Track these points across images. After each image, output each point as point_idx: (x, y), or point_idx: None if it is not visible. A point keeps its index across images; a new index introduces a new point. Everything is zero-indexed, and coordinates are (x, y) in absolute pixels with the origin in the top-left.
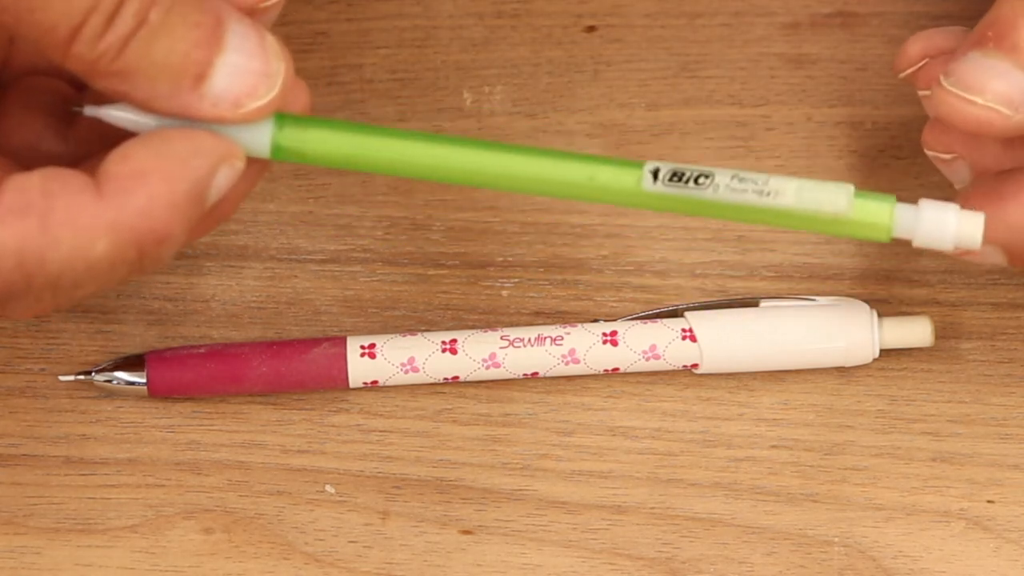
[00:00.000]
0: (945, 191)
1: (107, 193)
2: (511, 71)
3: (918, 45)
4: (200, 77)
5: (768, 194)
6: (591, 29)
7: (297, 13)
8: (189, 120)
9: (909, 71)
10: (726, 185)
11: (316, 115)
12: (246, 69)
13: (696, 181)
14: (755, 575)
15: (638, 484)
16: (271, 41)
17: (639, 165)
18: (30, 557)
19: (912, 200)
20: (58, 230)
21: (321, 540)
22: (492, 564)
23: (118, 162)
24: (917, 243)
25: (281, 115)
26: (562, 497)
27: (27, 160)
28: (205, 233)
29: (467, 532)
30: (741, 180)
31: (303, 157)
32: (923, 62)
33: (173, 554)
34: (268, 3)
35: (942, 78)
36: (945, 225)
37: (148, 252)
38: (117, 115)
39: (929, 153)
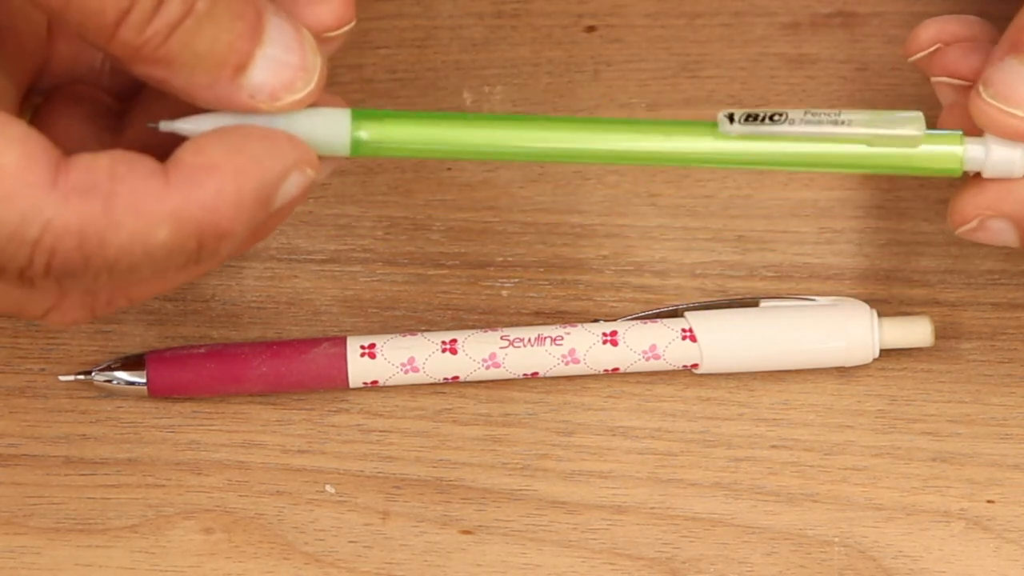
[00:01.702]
0: (947, 190)
1: (175, 181)
2: (511, 71)
3: (931, 30)
4: (240, 68)
5: (842, 123)
6: (591, 29)
7: None
8: (227, 110)
9: (920, 55)
10: (801, 119)
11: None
12: (284, 62)
13: (771, 119)
14: (755, 575)
15: (638, 484)
16: (308, 36)
17: (712, 122)
18: (30, 557)
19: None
20: (121, 214)
21: (321, 540)
22: (492, 564)
23: (192, 152)
24: (988, 173)
25: (356, 111)
26: (562, 497)
27: None
28: (263, 237)
29: (467, 532)
30: (814, 114)
31: (381, 151)
32: (934, 47)
33: (173, 554)
34: (332, 34)
35: (981, 89)
36: (1013, 153)
37: (208, 246)
38: (190, 127)
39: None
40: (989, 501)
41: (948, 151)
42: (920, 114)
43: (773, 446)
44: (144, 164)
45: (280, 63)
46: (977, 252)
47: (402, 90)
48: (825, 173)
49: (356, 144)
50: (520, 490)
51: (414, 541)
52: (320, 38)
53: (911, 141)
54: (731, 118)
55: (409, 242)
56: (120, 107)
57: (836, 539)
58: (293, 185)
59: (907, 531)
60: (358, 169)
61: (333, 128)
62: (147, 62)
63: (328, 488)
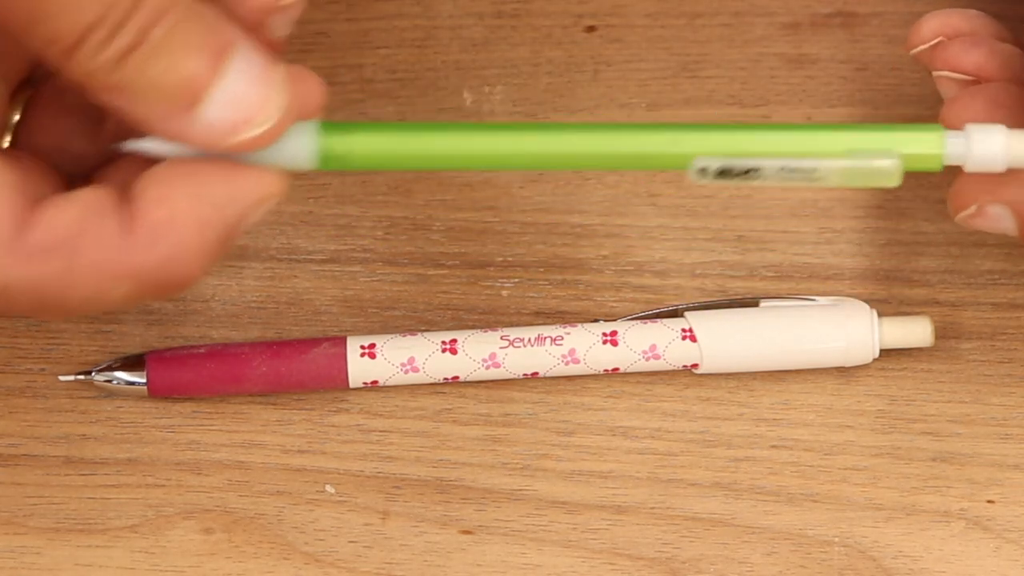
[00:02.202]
0: (947, 190)
1: (136, 241)
2: (511, 71)
3: (933, 23)
4: (195, 101)
5: (817, 180)
6: (591, 29)
7: None
8: (186, 144)
9: (921, 48)
10: (775, 175)
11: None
12: (243, 98)
13: (745, 174)
14: (755, 575)
15: (638, 484)
16: (278, 72)
17: (689, 157)
18: (30, 557)
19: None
20: (82, 275)
21: (321, 540)
22: (492, 564)
23: (154, 202)
24: (970, 168)
25: (325, 123)
26: (562, 497)
27: (57, 159)
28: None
29: (467, 532)
30: (789, 172)
31: (350, 163)
32: (936, 40)
33: (173, 554)
34: (285, 2)
35: None
36: (995, 145)
37: (169, 293)
38: (156, 148)
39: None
40: (989, 501)
41: (927, 152)
42: (897, 157)
43: (773, 446)
44: (108, 221)
45: (239, 99)
46: (977, 252)
47: (402, 90)
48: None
49: (325, 158)
50: (520, 490)
51: (414, 541)
52: (278, 6)
53: (888, 178)
54: (704, 171)
55: (409, 242)
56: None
57: (836, 539)
58: (257, 215)
59: (907, 531)
60: None
61: (299, 142)
62: (104, 89)
63: (328, 488)
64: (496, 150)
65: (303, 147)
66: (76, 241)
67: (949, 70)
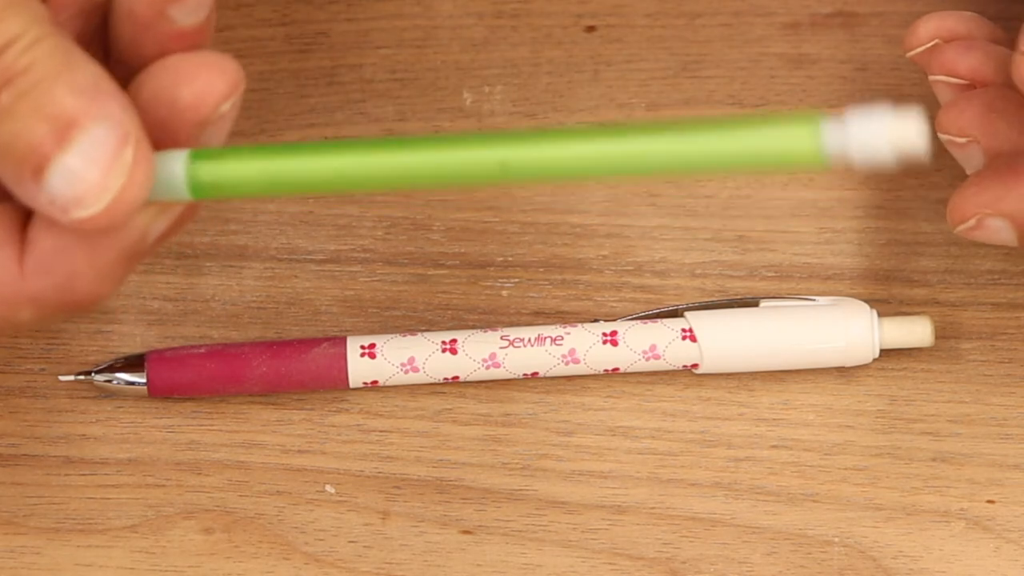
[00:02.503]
0: (947, 190)
1: (29, 272)
2: (511, 71)
3: (930, 25)
4: (38, 171)
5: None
6: (591, 29)
7: (297, 13)
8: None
9: (918, 50)
10: None
11: (311, 119)
12: (81, 177)
13: None
14: (755, 575)
15: (638, 484)
16: (128, 154)
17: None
18: (30, 557)
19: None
20: None
21: (321, 540)
22: (492, 564)
23: (43, 232)
24: (857, 163)
25: (195, 151)
26: (562, 497)
27: None
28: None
29: (467, 532)
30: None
31: (224, 192)
32: (933, 42)
33: (173, 554)
34: (222, 109)
35: None
36: (879, 132)
37: (77, 311)
38: None
39: (943, 136)
40: (989, 501)
41: (802, 149)
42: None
43: (773, 446)
44: (2, 253)
45: (77, 177)
46: (977, 252)
47: (402, 90)
48: (824, 173)
49: (196, 187)
50: (520, 490)
51: (414, 541)
52: (212, 118)
53: (767, 166)
54: None
55: (409, 242)
56: None
57: (836, 539)
58: (160, 225)
59: (907, 531)
60: None
61: (168, 171)
62: None
63: (328, 488)
64: (364, 169)
65: (173, 177)
66: None
67: (945, 74)
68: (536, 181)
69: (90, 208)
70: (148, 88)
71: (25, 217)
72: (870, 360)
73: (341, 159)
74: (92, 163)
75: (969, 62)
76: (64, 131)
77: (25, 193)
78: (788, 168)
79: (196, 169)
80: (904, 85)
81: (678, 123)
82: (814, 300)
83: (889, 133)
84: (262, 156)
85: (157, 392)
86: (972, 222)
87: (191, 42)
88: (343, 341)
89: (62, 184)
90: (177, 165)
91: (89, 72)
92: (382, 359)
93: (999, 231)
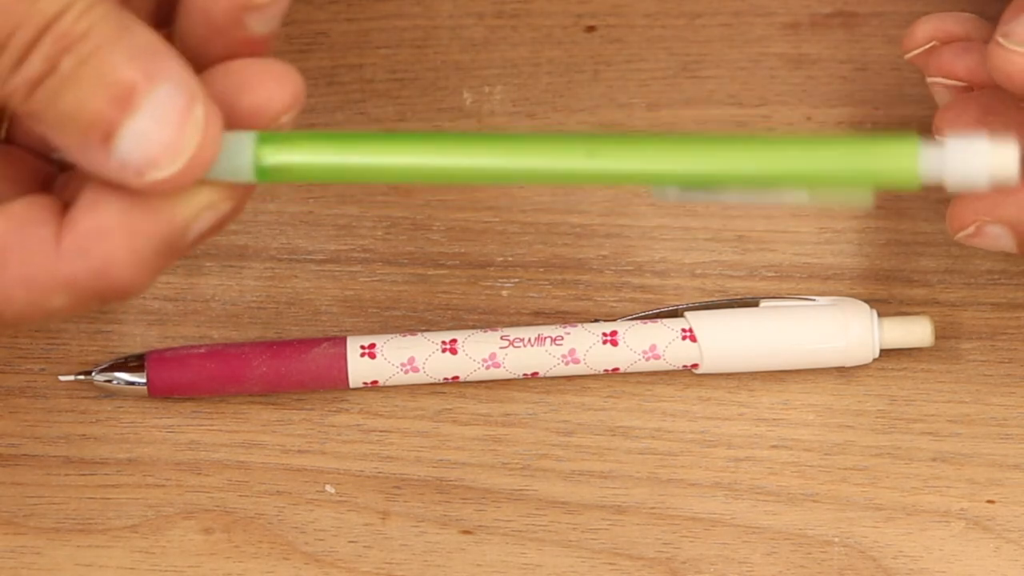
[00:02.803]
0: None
1: (66, 251)
2: (511, 71)
3: (927, 27)
4: (108, 136)
5: (784, 200)
6: (591, 29)
7: (297, 13)
8: (103, 179)
9: (916, 52)
10: (737, 197)
11: (311, 119)
12: (154, 138)
13: (708, 191)
14: (755, 575)
15: (638, 484)
16: (197, 113)
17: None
18: (30, 557)
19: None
20: (11, 289)
21: (321, 540)
22: (492, 564)
23: (85, 212)
24: (951, 187)
25: (263, 133)
26: (562, 497)
27: (48, 153)
28: (187, 253)
29: (467, 532)
30: (753, 194)
31: (289, 176)
32: (930, 44)
33: (173, 554)
34: (259, 1)
35: (1000, 39)
36: (976, 159)
37: (110, 301)
38: None
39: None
40: (989, 501)
41: (901, 169)
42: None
43: (773, 446)
44: (38, 232)
45: (149, 138)
46: (977, 252)
47: (402, 90)
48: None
49: (261, 172)
50: (520, 490)
51: (414, 541)
52: (252, 5)
53: (859, 192)
54: (663, 193)
55: (409, 242)
56: None
57: (836, 539)
58: (204, 222)
59: (907, 531)
60: None
61: (235, 153)
62: (20, 115)
63: (328, 488)
64: (445, 163)
65: (240, 159)
66: (3, 254)
67: (942, 76)
68: (618, 183)
69: (167, 168)
70: (210, 89)
71: (62, 204)
72: (870, 360)
73: (408, 154)
74: (163, 124)
75: (967, 64)
76: (130, 94)
77: (92, 160)
78: (879, 187)
79: (263, 152)
80: (904, 85)
81: (773, 136)
82: (814, 300)
83: (986, 160)
84: (333, 143)
85: (157, 392)
86: (971, 229)
87: (257, 49)
88: (343, 341)
89: (134, 147)
90: (244, 146)
91: (145, 35)
92: (382, 359)
93: (998, 238)
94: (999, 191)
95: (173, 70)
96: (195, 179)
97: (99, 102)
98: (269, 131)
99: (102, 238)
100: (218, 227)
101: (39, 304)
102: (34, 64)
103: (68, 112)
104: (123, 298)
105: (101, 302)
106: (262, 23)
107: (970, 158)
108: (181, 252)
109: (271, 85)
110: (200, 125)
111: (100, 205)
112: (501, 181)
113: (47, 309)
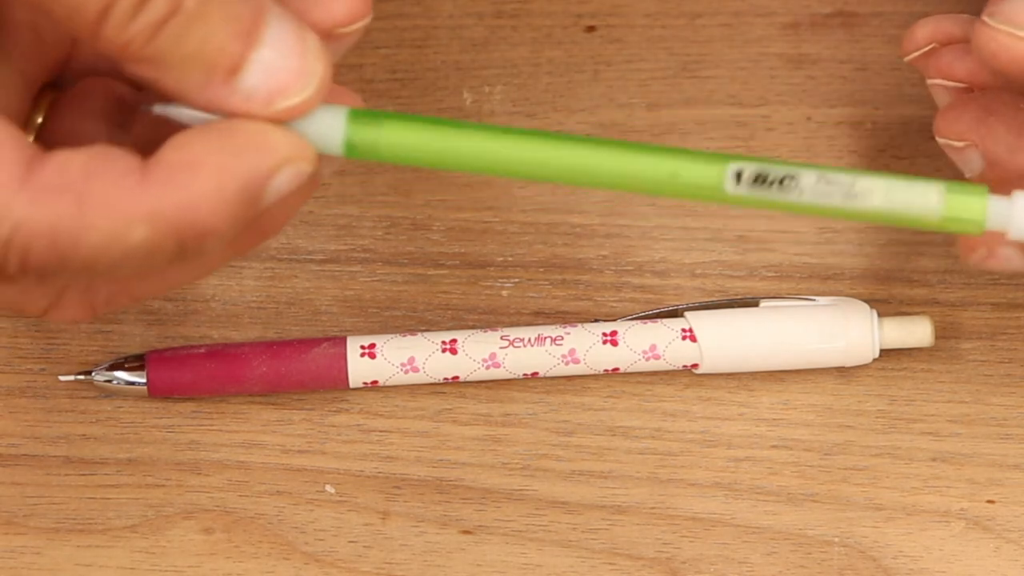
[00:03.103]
0: None
1: (152, 180)
2: (511, 71)
3: (927, 29)
4: (233, 71)
5: (855, 196)
6: (591, 29)
7: None
8: (221, 115)
9: (915, 55)
10: (811, 188)
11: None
12: (281, 66)
13: (781, 183)
14: (755, 575)
15: (638, 484)
16: (312, 39)
17: (724, 161)
18: (30, 557)
19: None
20: (94, 215)
21: (321, 540)
22: (492, 564)
23: (173, 149)
24: (1013, 235)
25: (355, 111)
26: (562, 497)
27: None
28: (269, 236)
29: (467, 532)
30: (828, 183)
31: (377, 154)
32: (930, 46)
33: (173, 554)
34: (345, 30)
35: (987, 18)
36: None
37: (189, 245)
38: (186, 113)
39: (940, 140)
40: (989, 501)
41: (969, 217)
42: (942, 185)
43: (773, 446)
44: (121, 162)
45: (277, 67)
46: None
47: (402, 90)
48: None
49: (350, 146)
50: (520, 490)
51: (414, 541)
52: (333, 35)
53: (928, 217)
54: (739, 176)
55: (409, 242)
56: (138, 98)
57: (836, 539)
58: (285, 180)
59: (907, 531)
60: (358, 169)
61: (326, 127)
62: (135, 61)
63: (328, 488)
64: (532, 159)
65: (331, 133)
66: (87, 180)
67: (942, 78)
68: (696, 199)
69: (298, 95)
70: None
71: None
72: (870, 360)
73: (499, 146)
74: (287, 52)
75: (966, 65)
76: (253, 27)
77: (213, 97)
78: (944, 231)
79: (354, 127)
80: (904, 85)
81: (855, 172)
82: (814, 300)
83: None
84: (425, 128)
85: (157, 392)
86: (983, 252)
87: None
88: (343, 341)
89: (261, 78)
90: (336, 120)
91: None
92: (382, 359)
93: (1011, 259)
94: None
95: (274, 3)
96: (318, 104)
97: (225, 37)
98: (362, 109)
99: (190, 170)
100: (293, 204)
101: (119, 235)
102: (157, 7)
103: (192, 52)
104: (201, 243)
105: (178, 246)
106: (335, 52)
107: None
108: (258, 211)
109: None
110: (317, 50)
111: (188, 143)
112: (577, 183)
113: (126, 244)
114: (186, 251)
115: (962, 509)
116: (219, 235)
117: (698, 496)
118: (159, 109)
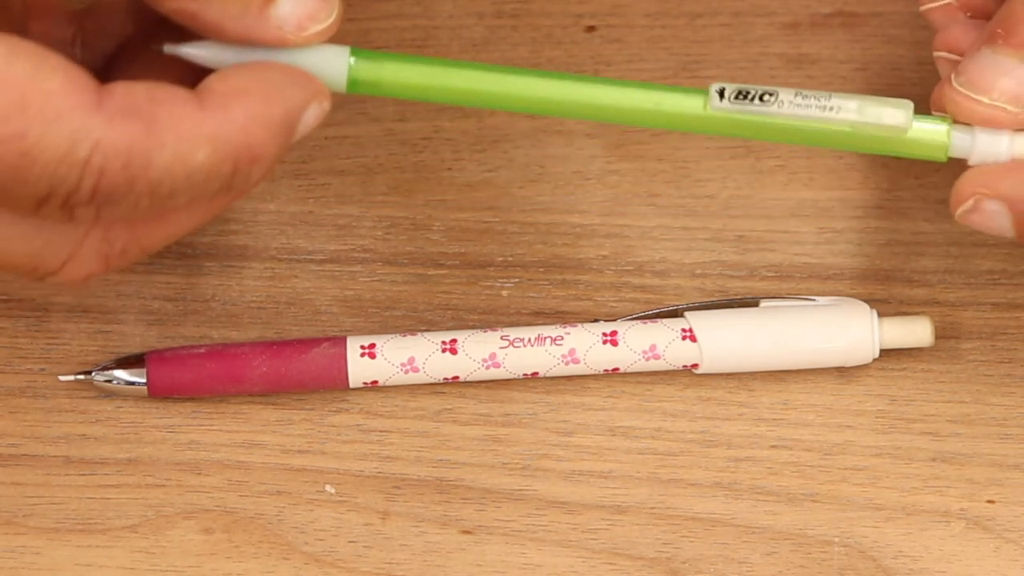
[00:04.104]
0: (947, 190)
1: (209, 106)
2: None
3: None
4: (269, 2)
5: (831, 109)
6: (591, 29)
7: None
8: (253, 43)
9: (931, 5)
10: (790, 101)
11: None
12: None
13: (761, 99)
14: (755, 575)
15: (638, 484)
16: None
17: (703, 90)
18: (30, 557)
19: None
20: (164, 134)
21: (321, 540)
22: (492, 564)
23: (219, 80)
24: (973, 160)
25: (356, 50)
26: (562, 497)
27: None
28: (263, 177)
29: (467, 532)
30: (804, 96)
31: (378, 89)
32: (946, 1)
33: (173, 554)
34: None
35: (953, 78)
36: (999, 141)
37: (242, 169)
38: (196, 52)
39: (938, 54)
40: (989, 501)
41: (933, 138)
42: (909, 103)
43: (773, 446)
44: (178, 91)
45: None
46: (977, 252)
47: None
48: (824, 171)
49: (353, 81)
50: (520, 490)
51: (414, 541)
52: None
53: (897, 131)
54: (722, 93)
55: (409, 242)
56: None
57: (836, 539)
58: (312, 116)
59: (907, 531)
60: (358, 169)
61: (331, 64)
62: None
63: (328, 488)
64: (522, 92)
65: (335, 69)
66: (152, 106)
67: (947, 51)
68: (677, 129)
69: (323, 21)
70: None
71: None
72: (870, 360)
73: (493, 79)
74: None
75: (971, 40)
76: None
77: (249, 27)
78: (912, 156)
79: (357, 64)
80: (904, 85)
81: (823, 94)
82: (814, 300)
83: (1008, 143)
84: (419, 65)
85: (157, 392)
86: (970, 204)
87: None
88: (343, 341)
89: (291, 7)
90: (339, 59)
91: None
92: (382, 359)
93: (996, 216)
94: (1003, 166)
95: None
96: (333, 33)
97: None
98: (360, 48)
99: (242, 96)
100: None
101: (185, 156)
102: None
103: None
104: (252, 167)
105: (234, 168)
106: None
107: (994, 140)
108: (291, 142)
109: None
110: None
111: (233, 75)
112: (566, 115)
113: (190, 164)
114: (237, 177)
115: (962, 509)
116: (266, 161)
117: (698, 496)
118: (169, 48)
